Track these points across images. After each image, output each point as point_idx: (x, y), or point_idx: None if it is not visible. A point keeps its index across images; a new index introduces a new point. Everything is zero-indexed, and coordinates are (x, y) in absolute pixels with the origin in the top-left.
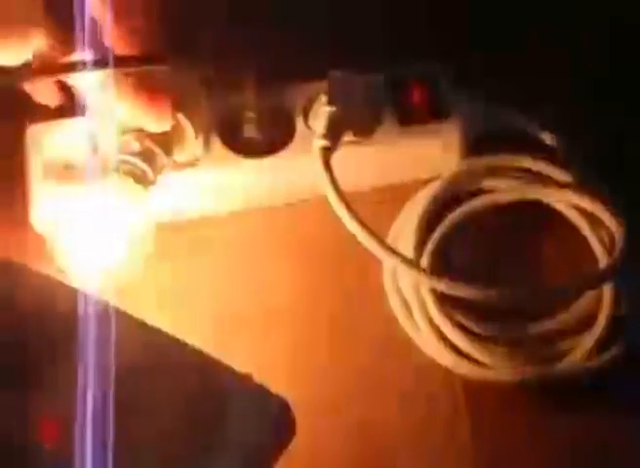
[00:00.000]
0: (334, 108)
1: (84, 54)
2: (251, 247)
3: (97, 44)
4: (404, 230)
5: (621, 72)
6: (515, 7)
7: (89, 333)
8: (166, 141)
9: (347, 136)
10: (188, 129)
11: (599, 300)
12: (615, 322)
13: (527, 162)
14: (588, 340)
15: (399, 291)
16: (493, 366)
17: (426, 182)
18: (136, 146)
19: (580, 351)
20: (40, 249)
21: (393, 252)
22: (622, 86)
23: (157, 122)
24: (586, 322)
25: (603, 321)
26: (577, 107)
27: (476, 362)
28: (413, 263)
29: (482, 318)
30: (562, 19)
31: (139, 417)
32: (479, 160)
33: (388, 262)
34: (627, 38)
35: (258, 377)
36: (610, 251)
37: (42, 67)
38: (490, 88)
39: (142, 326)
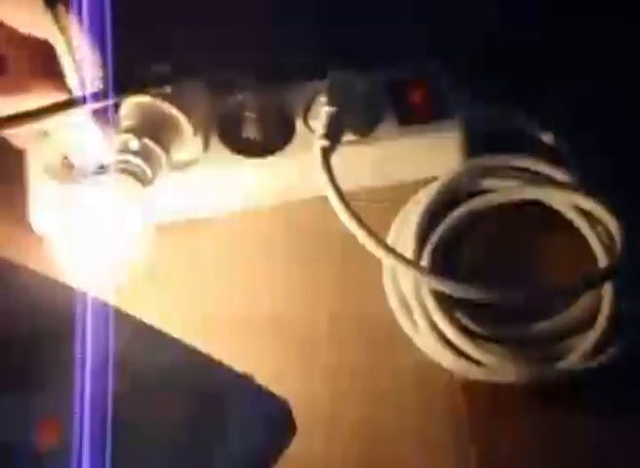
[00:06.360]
0: (334, 108)
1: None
2: (250, 247)
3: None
4: (404, 230)
5: (621, 72)
6: (515, 6)
7: (88, 334)
8: (165, 141)
9: (347, 136)
10: (188, 128)
11: (599, 300)
12: (615, 322)
13: (527, 162)
14: (588, 340)
15: (399, 291)
16: (493, 366)
17: (426, 182)
18: (135, 145)
19: (580, 351)
20: (40, 249)
21: (393, 252)
22: (622, 86)
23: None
24: (586, 322)
25: (603, 321)
26: (576, 107)
27: (476, 362)
28: (413, 263)
29: (482, 318)
30: (562, 19)
31: (138, 418)
32: (479, 160)
33: (388, 262)
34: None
35: (257, 377)
36: (610, 251)
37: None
38: (490, 88)
39: (142, 326)
